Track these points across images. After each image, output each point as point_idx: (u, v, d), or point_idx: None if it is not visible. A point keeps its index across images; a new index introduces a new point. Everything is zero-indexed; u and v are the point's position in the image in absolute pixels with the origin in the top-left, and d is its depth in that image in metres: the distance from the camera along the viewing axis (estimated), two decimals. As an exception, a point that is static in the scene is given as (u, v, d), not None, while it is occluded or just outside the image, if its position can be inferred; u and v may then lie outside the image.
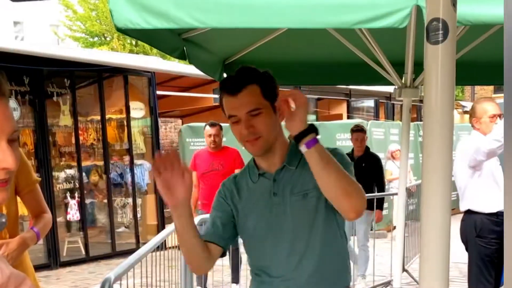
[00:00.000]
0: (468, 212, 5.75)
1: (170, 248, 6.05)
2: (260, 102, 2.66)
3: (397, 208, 6.59)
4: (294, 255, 2.70)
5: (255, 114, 2.65)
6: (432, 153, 2.00)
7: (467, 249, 5.90)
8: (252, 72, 2.74)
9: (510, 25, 1.43)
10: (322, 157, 2.47)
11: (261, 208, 2.77)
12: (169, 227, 5.04)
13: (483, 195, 5.62)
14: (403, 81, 5.80)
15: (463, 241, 5.89)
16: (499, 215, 5.48)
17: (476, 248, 5.71)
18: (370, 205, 8.03)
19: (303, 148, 2.48)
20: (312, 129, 2.49)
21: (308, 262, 2.70)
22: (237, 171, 7.39)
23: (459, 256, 10.39)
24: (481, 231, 5.67)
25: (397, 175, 13.86)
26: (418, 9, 3.58)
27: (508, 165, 1.51)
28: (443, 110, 1.97)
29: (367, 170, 8.59)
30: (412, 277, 8.70)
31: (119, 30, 3.74)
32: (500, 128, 5.27)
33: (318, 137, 2.53)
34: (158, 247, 5.07)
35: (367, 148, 9.16)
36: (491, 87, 31.79)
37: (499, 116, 5.67)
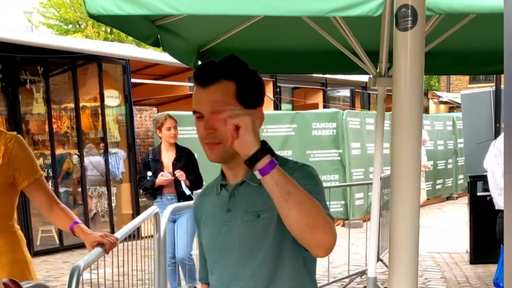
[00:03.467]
0: None
1: (144, 237, 6.02)
2: (231, 103, 2.23)
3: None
4: (237, 281, 2.34)
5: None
6: (401, 141, 1.98)
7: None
8: (235, 65, 2.30)
9: (510, 25, 1.42)
10: (281, 186, 2.04)
11: (215, 224, 2.43)
12: (141, 215, 4.99)
13: None
14: (377, 70, 5.80)
15: (501, 240, 5.74)
16: None
17: None
18: None
19: (257, 174, 2.06)
20: (265, 151, 2.05)
21: None
22: None
23: (434, 246, 10.45)
24: None
25: (424, 162, 14.06)
26: (392, -3, 3.58)
27: (508, 165, 1.49)
28: (412, 96, 1.95)
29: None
30: (387, 267, 8.70)
31: (92, 16, 3.70)
32: None
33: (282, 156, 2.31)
34: (132, 236, 5.02)
35: None
36: (467, 77, 32.00)
37: None
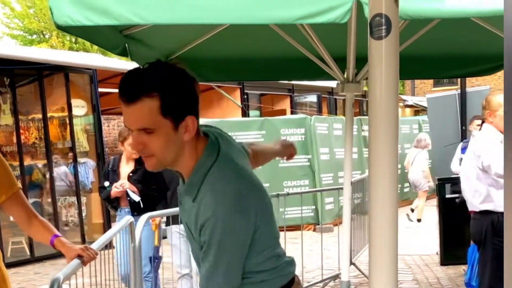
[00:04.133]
0: (484, 212, 5.53)
1: (114, 247, 6.01)
2: (155, 120, 2.15)
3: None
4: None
5: (147, 132, 2.17)
6: (378, 147, 2.01)
7: (479, 249, 5.74)
8: (157, 76, 2.17)
9: (510, 25, 1.45)
10: None
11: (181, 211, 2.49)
12: (116, 226, 4.98)
13: (499, 194, 5.36)
14: (345, 76, 5.85)
15: (476, 241, 5.78)
16: None
17: (492, 247, 5.49)
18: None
19: None
20: None
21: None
22: None
23: (402, 248, 10.55)
24: (499, 231, 5.40)
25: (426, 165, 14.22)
26: (359, 4, 3.62)
27: (508, 165, 1.52)
28: (387, 104, 1.98)
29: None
30: (360, 270, 8.78)
31: (59, 27, 3.69)
32: None
33: None
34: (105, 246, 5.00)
35: None
36: (431, 81, 32.26)
37: None
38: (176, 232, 6.84)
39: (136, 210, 6.86)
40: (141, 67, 2.22)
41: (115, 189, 6.95)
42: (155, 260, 6.90)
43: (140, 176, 6.96)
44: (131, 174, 6.97)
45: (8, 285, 3.62)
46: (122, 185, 6.86)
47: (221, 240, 2.21)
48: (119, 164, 7.18)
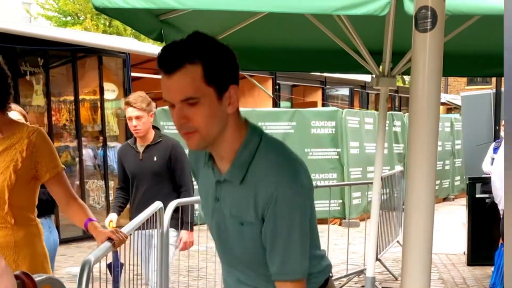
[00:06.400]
0: None
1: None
2: (200, 88, 2.07)
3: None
4: (234, 267, 2.40)
5: (191, 103, 2.08)
6: (418, 142, 1.97)
7: None
8: (199, 45, 2.10)
9: (510, 25, 1.40)
10: None
11: (207, 203, 2.39)
12: (146, 211, 4.96)
13: None
14: (380, 69, 5.79)
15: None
16: None
17: None
18: None
19: None
20: None
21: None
22: None
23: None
24: None
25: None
26: (398, -2, 3.58)
27: (508, 165, 1.48)
28: (429, 97, 1.94)
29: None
30: (385, 266, 8.73)
31: (97, 9, 3.70)
32: None
33: None
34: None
35: None
36: (465, 79, 32.04)
37: None
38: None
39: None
40: (179, 39, 2.13)
41: None
42: (115, 269, 5.86)
43: None
44: None
45: (48, 262, 3.68)
46: None
47: (290, 213, 2.11)
48: None
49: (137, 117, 5.54)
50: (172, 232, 5.60)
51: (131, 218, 5.18)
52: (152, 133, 5.71)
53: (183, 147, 5.67)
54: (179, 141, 5.55)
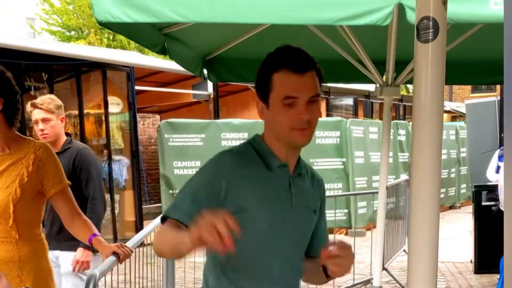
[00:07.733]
0: None
1: (147, 245, 6.00)
2: (319, 90, 2.44)
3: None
4: (286, 261, 2.53)
5: (314, 100, 2.39)
6: (421, 151, 1.98)
7: None
8: (312, 57, 2.46)
9: (510, 25, 1.41)
10: None
11: (278, 208, 2.47)
12: (150, 225, 4.97)
13: None
14: (384, 79, 5.79)
15: None
16: None
17: None
18: None
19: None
20: None
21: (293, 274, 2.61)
22: None
23: (438, 255, 10.45)
24: None
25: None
26: (400, 7, 3.58)
27: (508, 165, 1.49)
28: (432, 107, 1.94)
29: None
30: (392, 276, 8.72)
31: (100, 23, 3.70)
32: None
33: None
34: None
35: None
36: (469, 87, 32.01)
37: None
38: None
39: None
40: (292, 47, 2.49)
41: None
42: None
43: None
44: None
45: (53, 278, 3.68)
46: None
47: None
48: None
49: (44, 120, 5.03)
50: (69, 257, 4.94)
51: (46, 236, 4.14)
52: (62, 140, 5.16)
53: (93, 155, 5.28)
54: (91, 148, 5.38)
